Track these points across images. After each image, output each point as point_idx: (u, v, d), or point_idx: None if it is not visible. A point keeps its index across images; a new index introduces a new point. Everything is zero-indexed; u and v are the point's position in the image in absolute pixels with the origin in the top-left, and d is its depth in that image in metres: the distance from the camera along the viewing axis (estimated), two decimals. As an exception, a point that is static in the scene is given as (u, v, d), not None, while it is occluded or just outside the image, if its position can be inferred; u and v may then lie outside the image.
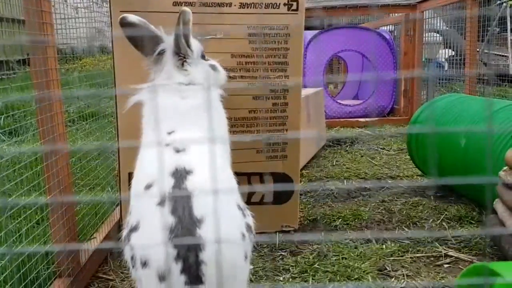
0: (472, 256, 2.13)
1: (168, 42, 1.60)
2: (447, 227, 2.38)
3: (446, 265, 2.08)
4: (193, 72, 1.61)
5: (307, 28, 5.73)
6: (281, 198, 2.40)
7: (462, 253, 2.16)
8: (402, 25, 5.53)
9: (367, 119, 5.41)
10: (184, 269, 1.16)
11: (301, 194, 2.93)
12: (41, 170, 1.98)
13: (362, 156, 3.96)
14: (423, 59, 5.66)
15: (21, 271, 1.67)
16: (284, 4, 2.26)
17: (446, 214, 2.53)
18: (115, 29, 2.22)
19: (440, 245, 2.21)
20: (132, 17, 1.61)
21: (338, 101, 5.72)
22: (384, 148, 4.23)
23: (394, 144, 4.34)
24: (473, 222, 2.44)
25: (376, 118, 5.44)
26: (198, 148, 1.38)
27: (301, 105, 2.41)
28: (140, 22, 1.60)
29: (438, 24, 6.43)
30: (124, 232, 1.31)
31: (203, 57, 1.70)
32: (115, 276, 2.07)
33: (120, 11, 2.21)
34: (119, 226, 2.39)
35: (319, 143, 4.13)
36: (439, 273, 2.00)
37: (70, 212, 1.91)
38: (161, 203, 1.23)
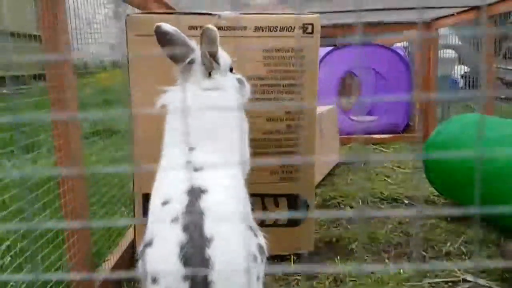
0: (491, 281, 2.09)
1: (198, 52, 1.64)
2: (465, 251, 2.33)
3: (465, 291, 2.04)
4: (220, 80, 1.64)
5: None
6: (295, 220, 2.38)
7: (481, 278, 2.11)
8: (416, 43, 5.51)
9: (382, 136, 5.37)
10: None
11: (315, 214, 2.90)
12: (57, 189, 2.00)
13: (377, 175, 3.92)
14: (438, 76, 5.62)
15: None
16: (299, 28, 2.27)
17: (463, 237, 2.48)
18: (131, 52, 2.25)
19: (458, 270, 2.16)
20: (166, 26, 1.66)
21: (351, 117, 5.70)
22: (399, 166, 4.19)
23: (410, 161, 4.29)
24: (491, 246, 2.39)
25: (391, 135, 5.39)
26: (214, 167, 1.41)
27: (315, 125, 2.41)
28: (173, 31, 1.65)
29: (453, 40, 6.40)
30: (140, 247, 1.32)
31: (231, 70, 1.73)
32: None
33: (135, 35, 2.25)
34: (133, 246, 2.39)
35: (332, 162, 4.11)
36: (457, 299, 1.96)
37: (85, 235, 1.92)
38: (175, 220, 1.24)
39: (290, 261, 2.31)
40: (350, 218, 2.90)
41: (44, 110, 1.96)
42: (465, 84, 7.17)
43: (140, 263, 1.30)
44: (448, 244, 2.42)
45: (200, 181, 1.34)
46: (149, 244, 1.28)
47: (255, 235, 1.39)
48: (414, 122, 5.65)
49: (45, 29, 1.70)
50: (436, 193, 3.25)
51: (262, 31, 2.27)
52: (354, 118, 5.72)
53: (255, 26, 2.26)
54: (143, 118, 2.24)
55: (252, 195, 2.30)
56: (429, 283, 2.08)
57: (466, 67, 6.95)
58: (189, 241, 1.20)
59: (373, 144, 5.20)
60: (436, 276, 2.13)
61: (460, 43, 6.75)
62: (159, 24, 1.66)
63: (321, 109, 4.01)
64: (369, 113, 6.48)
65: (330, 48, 5.77)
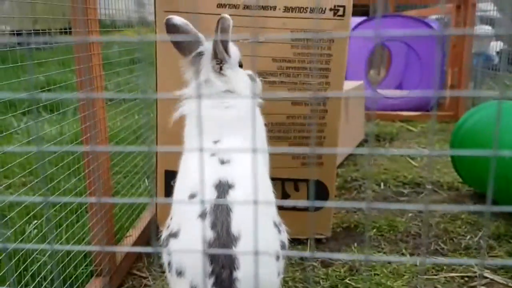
0: (508, 279, 2.07)
1: (207, 45, 1.62)
2: (484, 246, 2.31)
3: (480, 287, 2.03)
4: (232, 78, 1.62)
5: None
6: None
7: (498, 274, 2.10)
8: (452, 17, 5.29)
9: (410, 113, 5.26)
10: (215, 284, 1.19)
11: (335, 196, 2.90)
12: (81, 156, 2.04)
13: (401, 156, 3.86)
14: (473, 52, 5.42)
15: (60, 267, 1.74)
16: (330, 9, 2.19)
17: (484, 231, 2.45)
18: (158, 27, 2.23)
19: (476, 265, 2.15)
20: (176, 19, 1.65)
21: (379, 92, 5.58)
22: (425, 148, 4.12)
23: (437, 143, 4.21)
24: (511, 241, 2.36)
25: (420, 113, 5.28)
26: (241, 160, 1.41)
27: (340, 111, 2.37)
28: (183, 24, 1.64)
29: (491, 10, 6.09)
30: (164, 235, 1.35)
31: (240, 65, 1.70)
32: (148, 273, 2.13)
33: (165, 11, 2.22)
34: (154, 222, 2.44)
35: (356, 140, 4.06)
36: (473, 296, 1.96)
37: (108, 209, 1.97)
38: (202, 215, 1.25)
39: (307, 245, 2.33)
40: (370, 202, 2.89)
41: (70, 68, 1.96)
42: (501, 60, 6.89)
43: (164, 251, 1.32)
44: (468, 237, 2.39)
45: (227, 175, 1.35)
46: (174, 235, 1.30)
47: (279, 231, 1.40)
48: (445, 100, 5.49)
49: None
50: (461, 180, 3.19)
51: (292, 11, 2.21)
52: (383, 92, 5.60)
53: (285, 6, 2.20)
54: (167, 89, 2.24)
55: (273, 179, 2.31)
56: (445, 277, 2.08)
57: (502, 44, 6.68)
58: (216, 239, 1.22)
59: (400, 121, 5.11)
60: (453, 270, 2.12)
61: (499, 15, 6.45)
62: (169, 16, 1.64)
63: (348, 85, 3.93)
64: (399, 86, 6.34)
65: (361, 18, 5.60)
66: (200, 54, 1.63)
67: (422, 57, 5.40)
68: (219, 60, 1.60)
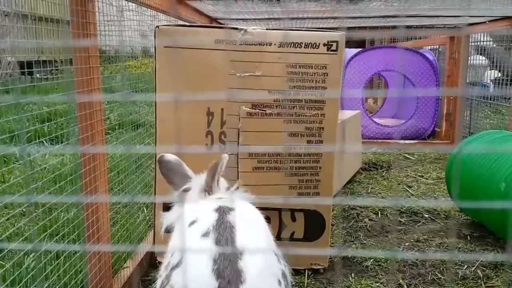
0: (507, 310, 2.08)
1: (195, 181, 1.68)
2: (481, 276, 2.31)
3: (478, 318, 2.03)
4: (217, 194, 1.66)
5: (347, 45, 5.69)
6: (312, 235, 2.40)
7: (497, 305, 2.10)
8: (446, 47, 5.40)
9: (406, 141, 5.31)
10: None
11: (333, 225, 2.92)
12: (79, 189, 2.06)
13: (399, 184, 3.90)
14: (467, 81, 5.51)
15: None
16: (324, 45, 2.27)
17: (481, 261, 2.46)
18: (158, 61, 2.29)
19: (474, 295, 2.15)
20: (169, 156, 1.72)
21: (376, 121, 5.65)
22: (422, 176, 4.15)
23: (433, 171, 4.24)
24: (509, 271, 2.36)
25: (416, 141, 5.33)
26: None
27: (335, 141, 2.41)
28: (175, 160, 1.71)
29: (485, 41, 6.22)
30: (163, 274, 1.36)
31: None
32: (146, 305, 2.13)
33: (164, 47, 2.30)
34: (152, 253, 2.46)
35: (353, 168, 4.09)
36: (471, 327, 1.96)
37: (105, 240, 1.99)
38: (206, 234, 1.29)
39: (305, 275, 2.33)
40: (368, 230, 2.90)
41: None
42: (495, 88, 6.99)
43: None
44: (465, 267, 2.40)
45: (225, 203, 1.42)
46: (176, 265, 1.31)
47: (279, 261, 1.42)
48: (441, 128, 5.55)
49: (74, 14, 1.75)
50: (458, 208, 3.21)
51: (287, 47, 2.28)
52: (379, 122, 5.67)
53: (280, 42, 2.27)
54: (166, 121, 2.29)
55: (270, 209, 2.34)
56: (442, 307, 2.08)
57: (497, 72, 6.79)
58: (222, 254, 1.24)
59: (397, 150, 5.15)
60: (451, 301, 2.12)
61: (494, 45, 6.59)
62: (162, 154, 1.72)
63: (345, 114, 3.99)
64: (395, 116, 6.41)
65: (357, 50, 5.72)
66: (187, 189, 1.69)
67: (417, 86, 5.49)
68: (208, 188, 1.66)
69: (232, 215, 1.36)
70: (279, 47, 2.27)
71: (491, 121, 5.65)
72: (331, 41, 2.26)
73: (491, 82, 6.97)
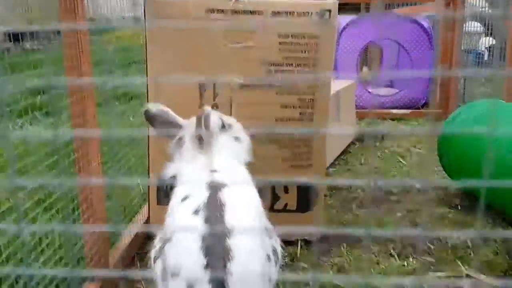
0: (494, 278, 2.11)
1: (187, 129, 1.69)
2: (470, 245, 2.35)
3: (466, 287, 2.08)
4: (216, 155, 1.62)
5: (343, 12, 5.61)
6: (304, 206, 2.42)
7: (484, 273, 2.14)
8: (441, 13, 5.33)
9: (401, 111, 5.31)
10: (211, 279, 1.21)
11: (325, 196, 2.94)
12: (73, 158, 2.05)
13: (391, 154, 3.91)
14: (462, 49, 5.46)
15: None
16: (316, 13, 2.22)
17: (471, 230, 2.49)
18: (148, 31, 2.24)
19: (463, 265, 2.19)
20: (153, 109, 1.71)
21: (370, 90, 5.62)
22: (415, 146, 4.16)
23: (426, 142, 4.25)
24: (498, 240, 2.40)
25: (410, 111, 5.32)
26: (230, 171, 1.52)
27: (328, 112, 2.40)
28: (161, 112, 1.71)
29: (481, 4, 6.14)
30: (156, 247, 1.37)
31: (223, 127, 1.70)
32: (141, 277, 2.16)
33: (154, 16, 2.24)
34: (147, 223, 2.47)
35: (347, 138, 4.10)
36: (459, 295, 2.00)
37: (101, 213, 1.99)
38: (196, 212, 1.30)
39: (298, 246, 2.36)
40: (360, 202, 2.93)
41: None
42: (491, 56, 6.95)
43: (158, 261, 1.33)
44: (455, 237, 2.43)
45: (218, 178, 1.42)
46: (168, 240, 1.32)
47: (270, 237, 1.43)
48: (435, 98, 5.54)
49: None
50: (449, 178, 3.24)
51: (279, 16, 2.23)
52: (373, 91, 5.64)
53: (272, 11, 2.22)
54: (160, 90, 2.26)
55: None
56: (432, 277, 2.12)
57: (492, 39, 6.73)
58: (211, 232, 1.25)
59: (391, 120, 5.15)
60: (440, 270, 2.16)
61: (489, 10, 6.51)
62: (147, 107, 1.71)
63: (339, 85, 3.97)
64: (389, 86, 6.38)
65: (351, 17, 5.63)
66: (180, 138, 1.69)
67: (412, 55, 5.44)
68: (200, 137, 1.63)
69: (224, 192, 1.36)
70: (271, 16, 2.23)
71: (486, 90, 5.63)
72: (324, 10, 2.22)
73: (486, 50, 6.92)
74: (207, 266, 1.21)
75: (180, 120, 1.73)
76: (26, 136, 2.91)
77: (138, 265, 2.24)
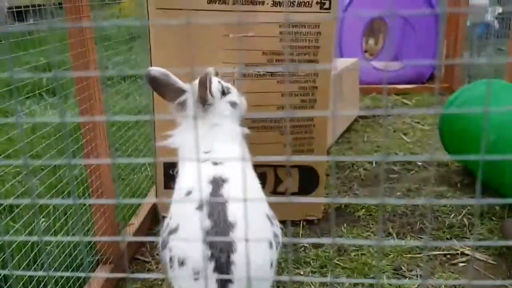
0: (488, 256, 2.22)
1: (189, 91, 1.75)
2: (467, 224, 2.45)
3: (461, 264, 2.18)
4: (216, 115, 1.74)
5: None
6: (306, 188, 2.52)
7: (478, 252, 2.24)
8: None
9: (405, 86, 5.32)
10: (216, 268, 1.32)
11: (327, 175, 3.03)
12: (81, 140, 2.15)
13: (394, 131, 3.97)
14: (468, 24, 5.42)
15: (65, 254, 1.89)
16: (317, 3, 2.26)
17: (468, 209, 2.58)
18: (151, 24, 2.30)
19: (458, 242, 2.29)
20: (155, 72, 1.75)
21: (374, 65, 5.62)
22: (418, 122, 4.22)
23: (430, 117, 4.30)
24: (494, 219, 2.49)
25: (414, 85, 5.34)
26: (231, 163, 1.58)
27: (329, 98, 2.46)
28: (162, 75, 1.75)
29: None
30: (164, 234, 1.48)
31: (223, 92, 1.78)
32: (151, 258, 2.29)
33: (157, 9, 2.29)
34: (155, 209, 2.59)
35: (350, 117, 4.15)
36: (453, 272, 2.11)
37: (110, 197, 2.10)
38: (200, 207, 1.39)
39: (300, 227, 2.47)
40: (362, 180, 3.02)
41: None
42: (500, 25, 6.85)
43: (165, 250, 1.44)
44: (452, 215, 2.53)
45: (220, 172, 1.50)
46: (174, 230, 1.43)
47: (272, 223, 1.53)
48: (440, 72, 5.54)
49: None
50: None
51: (280, 5, 2.28)
52: (378, 66, 5.65)
53: (273, 1, 2.27)
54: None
55: (266, 166, 2.45)
56: (428, 255, 2.23)
57: (500, 8, 6.63)
58: (214, 226, 1.35)
59: (395, 95, 5.18)
60: (436, 249, 2.27)
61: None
62: (148, 70, 1.75)
63: (343, 63, 4.00)
64: (395, 58, 6.36)
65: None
66: (183, 101, 1.75)
67: (417, 29, 5.42)
68: (202, 101, 1.71)
69: (226, 187, 1.45)
70: (272, 6, 2.27)
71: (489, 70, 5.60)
72: None
73: (495, 19, 6.82)
74: (212, 257, 1.31)
75: (181, 83, 1.78)
76: (35, 123, 3.01)
77: (148, 247, 2.36)
